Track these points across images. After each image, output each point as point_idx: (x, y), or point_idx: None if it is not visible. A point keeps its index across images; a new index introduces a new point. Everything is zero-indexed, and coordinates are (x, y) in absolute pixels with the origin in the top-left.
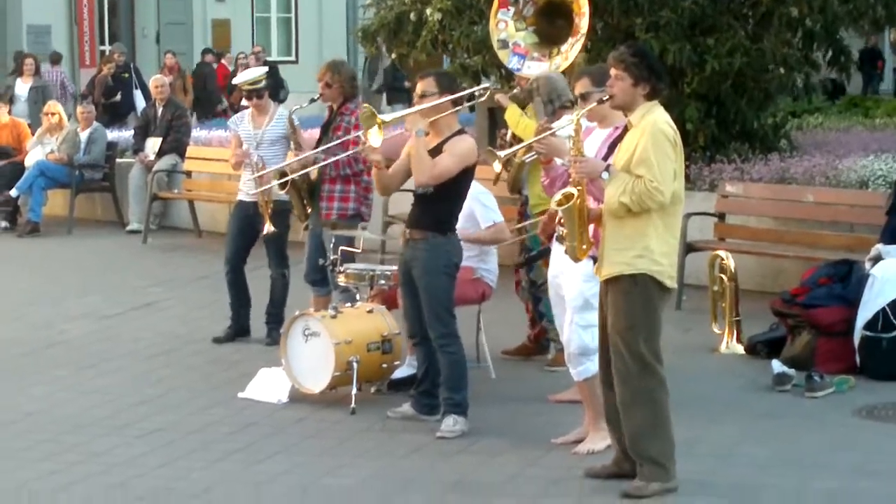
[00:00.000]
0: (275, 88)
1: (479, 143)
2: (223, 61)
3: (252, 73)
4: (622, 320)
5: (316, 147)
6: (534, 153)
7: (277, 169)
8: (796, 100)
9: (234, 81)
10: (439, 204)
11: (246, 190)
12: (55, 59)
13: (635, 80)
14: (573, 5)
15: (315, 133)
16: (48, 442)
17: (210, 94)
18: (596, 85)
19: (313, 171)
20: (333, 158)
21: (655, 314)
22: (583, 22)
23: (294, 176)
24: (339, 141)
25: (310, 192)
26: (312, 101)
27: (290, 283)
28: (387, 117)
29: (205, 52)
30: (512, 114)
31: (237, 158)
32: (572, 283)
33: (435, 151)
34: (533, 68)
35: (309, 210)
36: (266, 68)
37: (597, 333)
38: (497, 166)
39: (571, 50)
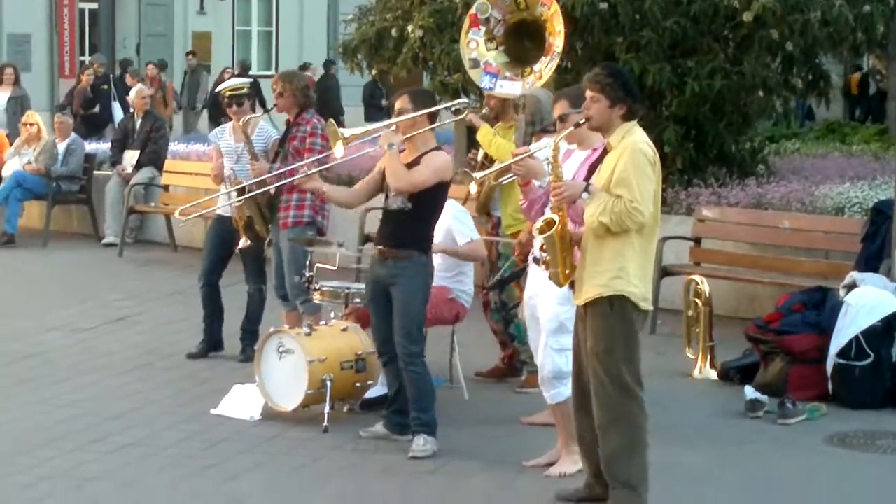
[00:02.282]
0: (257, 102)
1: (457, 162)
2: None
3: (235, 81)
4: (601, 343)
5: (273, 158)
6: (511, 175)
7: (235, 183)
8: (775, 124)
9: (217, 89)
10: (417, 221)
11: (222, 204)
12: (162, 66)
13: (611, 102)
14: (546, 25)
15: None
16: (21, 455)
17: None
18: (574, 107)
19: (272, 186)
20: (291, 168)
21: (633, 336)
22: (557, 41)
23: (255, 191)
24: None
25: (269, 206)
26: (268, 111)
27: (266, 300)
28: (348, 132)
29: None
30: (485, 134)
31: (216, 171)
32: (547, 306)
33: (411, 166)
34: (506, 87)
35: (269, 225)
36: (250, 80)
37: (570, 356)
38: (473, 187)
39: (545, 69)
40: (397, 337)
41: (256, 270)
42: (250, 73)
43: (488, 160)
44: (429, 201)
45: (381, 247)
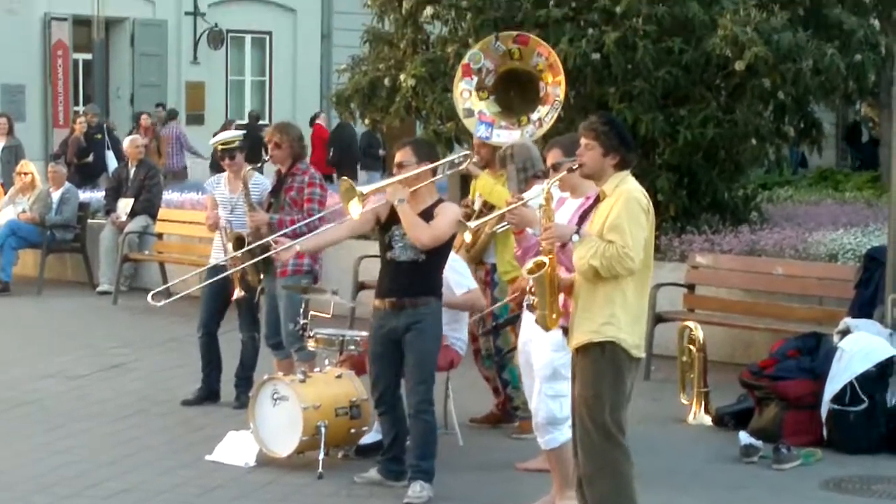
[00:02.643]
0: (255, 148)
1: None
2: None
3: (227, 134)
4: (589, 389)
5: (267, 209)
6: (505, 223)
7: (231, 234)
8: (768, 172)
9: (210, 142)
10: (431, 270)
11: (219, 253)
12: (172, 115)
13: (605, 150)
14: (542, 75)
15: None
16: (16, 501)
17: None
18: (567, 155)
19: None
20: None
21: (622, 384)
22: (557, 90)
23: (254, 244)
24: (308, 218)
25: (263, 254)
26: (263, 162)
27: (259, 347)
28: (365, 189)
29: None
30: (485, 183)
31: (211, 220)
32: (541, 353)
33: (422, 218)
34: (503, 136)
35: (262, 276)
36: (242, 132)
37: (565, 403)
38: (467, 237)
39: (546, 117)
40: (413, 385)
41: (250, 319)
42: (260, 122)
43: (486, 208)
44: (441, 251)
45: (394, 298)
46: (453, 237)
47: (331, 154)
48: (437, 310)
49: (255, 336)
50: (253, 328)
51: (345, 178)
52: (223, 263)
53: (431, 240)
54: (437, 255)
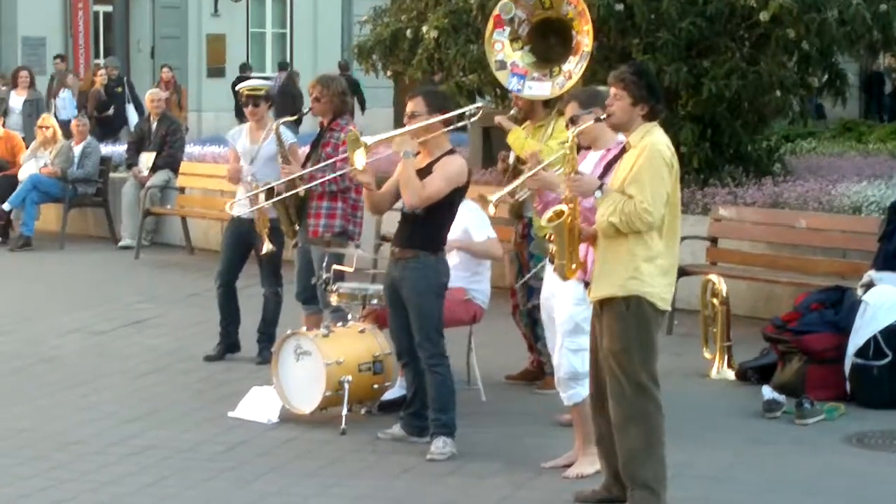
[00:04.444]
0: (288, 101)
1: (472, 163)
2: None
3: (255, 82)
4: (617, 343)
5: (305, 162)
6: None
7: (266, 186)
8: (792, 123)
9: (237, 87)
10: (429, 224)
11: (240, 206)
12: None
13: (634, 100)
14: (573, 23)
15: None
16: (38, 459)
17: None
18: (583, 108)
19: (301, 188)
20: (321, 179)
21: (650, 336)
22: (585, 40)
23: (284, 194)
24: (327, 163)
25: (297, 208)
26: (302, 115)
27: (282, 302)
28: (370, 140)
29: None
30: (516, 137)
31: (231, 173)
32: (563, 307)
33: (425, 171)
34: (535, 89)
35: (297, 227)
36: (269, 82)
37: (587, 357)
38: (491, 209)
39: (575, 68)
40: (418, 340)
41: (272, 273)
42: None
43: (520, 162)
44: (442, 207)
45: (394, 248)
46: (458, 192)
47: None
48: (427, 264)
49: (277, 291)
50: (275, 282)
51: (352, 128)
52: (248, 216)
53: (421, 201)
54: (436, 210)
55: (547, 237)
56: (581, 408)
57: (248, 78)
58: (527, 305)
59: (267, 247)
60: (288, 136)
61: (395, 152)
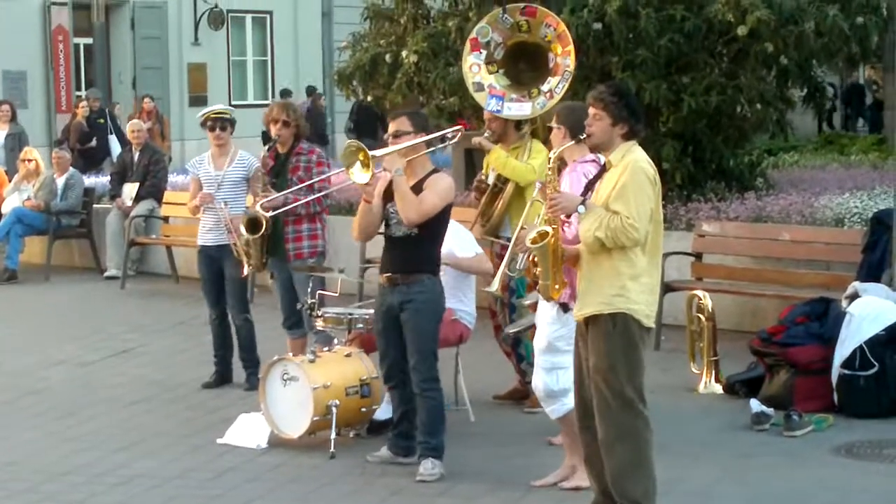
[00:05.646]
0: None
1: (457, 185)
2: None
3: (221, 105)
4: (604, 360)
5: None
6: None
7: (248, 214)
8: (772, 137)
9: (202, 112)
10: (425, 245)
11: (207, 234)
12: (309, 91)
13: (614, 120)
14: (550, 46)
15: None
16: (28, 492)
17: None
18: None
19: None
20: (303, 201)
21: (636, 353)
22: (566, 61)
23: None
24: (304, 185)
25: (269, 238)
26: (274, 142)
27: (254, 326)
28: (375, 153)
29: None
30: (498, 156)
31: (201, 201)
32: (539, 325)
33: (414, 191)
34: (514, 109)
35: (265, 259)
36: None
37: (561, 375)
38: (495, 287)
39: (557, 88)
40: (413, 363)
41: (240, 300)
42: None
43: (500, 181)
44: (435, 225)
45: (389, 273)
46: (447, 210)
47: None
48: (432, 288)
49: (247, 317)
50: (244, 309)
51: (353, 140)
52: (214, 244)
53: (419, 216)
54: (430, 229)
55: (531, 259)
56: (569, 418)
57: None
58: (507, 324)
59: (248, 269)
60: (252, 161)
61: (386, 170)
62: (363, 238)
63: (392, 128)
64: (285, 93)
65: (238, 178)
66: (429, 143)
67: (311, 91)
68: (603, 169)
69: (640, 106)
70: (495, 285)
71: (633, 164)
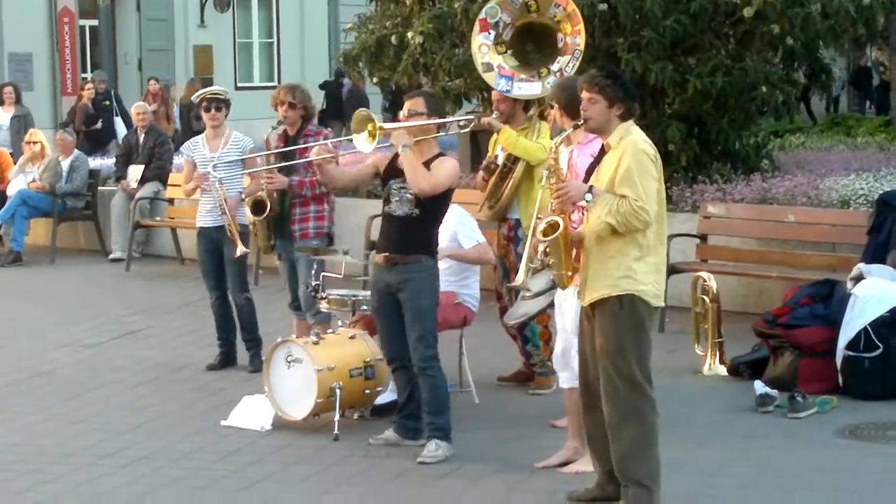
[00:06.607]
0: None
1: (460, 166)
2: None
3: (216, 87)
4: (611, 342)
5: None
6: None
7: (251, 196)
8: (778, 119)
9: (197, 94)
10: (425, 226)
11: (207, 216)
12: (339, 74)
13: (609, 102)
14: (560, 26)
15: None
16: (33, 472)
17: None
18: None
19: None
20: (310, 183)
21: (644, 334)
22: (577, 39)
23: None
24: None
25: (275, 220)
26: (280, 123)
27: (255, 305)
28: (384, 125)
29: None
30: (508, 136)
31: (197, 182)
32: (571, 309)
33: None
34: (524, 89)
35: (272, 241)
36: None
37: None
38: (521, 279)
39: (567, 67)
40: (412, 343)
41: (240, 279)
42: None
43: (510, 161)
44: (436, 207)
45: (387, 253)
46: (450, 192)
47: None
48: (429, 267)
49: (248, 296)
50: (244, 288)
51: (364, 109)
52: (213, 225)
53: (431, 187)
54: (432, 210)
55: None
56: (576, 396)
57: (341, 84)
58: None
59: (241, 249)
60: (246, 142)
61: (396, 145)
62: (330, 182)
63: (407, 106)
64: (340, 72)
65: (232, 160)
66: (441, 127)
67: (340, 74)
68: (602, 152)
69: (639, 85)
70: (520, 279)
71: (632, 145)
